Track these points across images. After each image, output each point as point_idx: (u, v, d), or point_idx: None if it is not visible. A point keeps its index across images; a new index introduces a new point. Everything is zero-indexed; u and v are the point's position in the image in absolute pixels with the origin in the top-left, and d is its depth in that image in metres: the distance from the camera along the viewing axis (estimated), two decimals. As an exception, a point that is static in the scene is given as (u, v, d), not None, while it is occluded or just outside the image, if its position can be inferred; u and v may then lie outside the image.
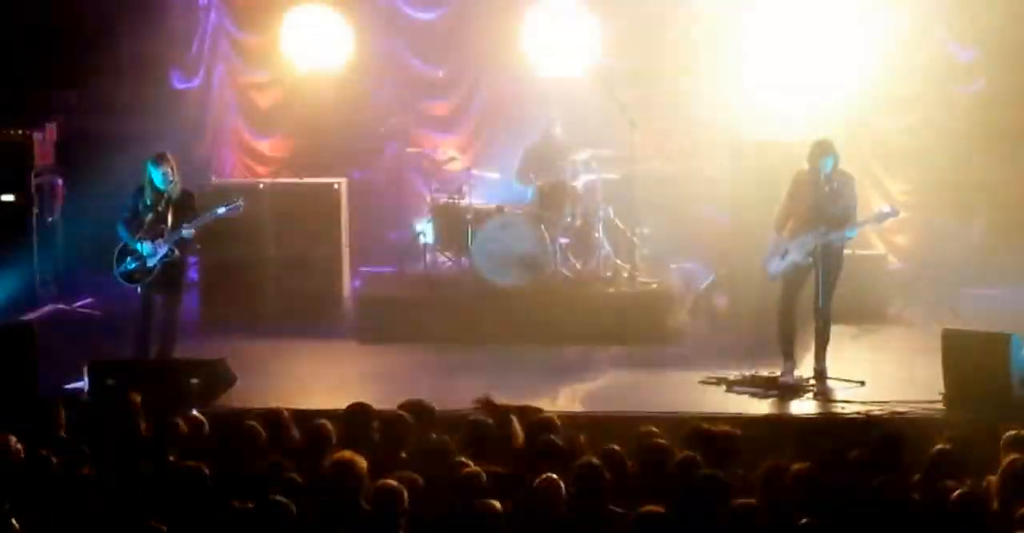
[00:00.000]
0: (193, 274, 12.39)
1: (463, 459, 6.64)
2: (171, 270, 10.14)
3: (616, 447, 6.89)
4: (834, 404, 9.46)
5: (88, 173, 13.00)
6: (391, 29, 14.04)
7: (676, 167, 13.75)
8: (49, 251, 13.20)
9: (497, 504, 6.03)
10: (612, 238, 12.26)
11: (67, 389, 9.69)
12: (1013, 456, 6.49)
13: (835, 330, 9.86)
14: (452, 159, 13.23)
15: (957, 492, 6.24)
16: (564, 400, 9.65)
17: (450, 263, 12.55)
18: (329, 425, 7.26)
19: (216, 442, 7.42)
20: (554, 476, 6.24)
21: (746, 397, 9.71)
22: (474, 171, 12.48)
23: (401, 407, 7.57)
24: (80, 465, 6.91)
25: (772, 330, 10.07)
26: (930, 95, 13.36)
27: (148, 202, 10.10)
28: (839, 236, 9.72)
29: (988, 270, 12.81)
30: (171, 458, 7.04)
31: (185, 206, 10.16)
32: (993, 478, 6.45)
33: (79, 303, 12.99)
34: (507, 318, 11.51)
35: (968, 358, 9.17)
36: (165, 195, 10.07)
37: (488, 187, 12.65)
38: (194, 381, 9.28)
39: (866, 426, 8.54)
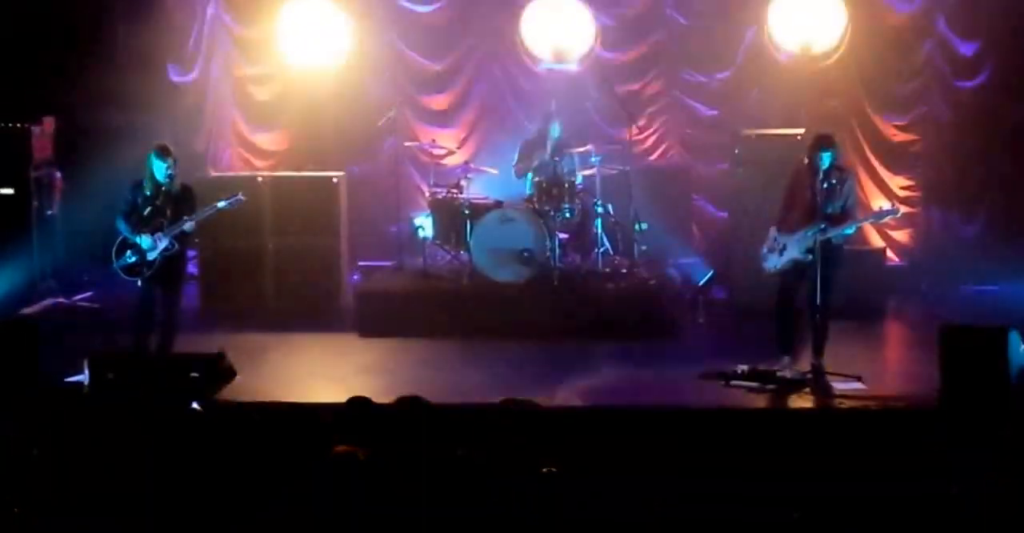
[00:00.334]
0: (192, 267, 12.41)
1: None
2: (171, 263, 10.13)
3: None
4: (832, 399, 9.49)
5: (86, 166, 12.99)
6: (389, 23, 14.04)
7: (675, 162, 13.80)
8: (48, 244, 13.20)
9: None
10: (610, 233, 12.26)
11: (67, 382, 9.71)
12: None
13: (833, 325, 9.86)
14: (450, 153, 13.26)
15: None
16: (562, 395, 9.65)
17: (449, 257, 12.56)
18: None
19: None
20: None
21: (744, 392, 9.74)
22: (472, 166, 12.51)
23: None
24: None
25: (770, 325, 10.09)
26: (931, 89, 13.39)
27: (147, 195, 10.08)
28: (838, 233, 9.70)
29: (987, 266, 12.83)
30: None
31: (184, 199, 10.15)
32: None
33: (79, 297, 13.00)
34: (505, 313, 11.53)
35: (965, 353, 9.20)
36: (164, 188, 10.06)
37: (486, 181, 12.67)
38: (194, 375, 9.31)
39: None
